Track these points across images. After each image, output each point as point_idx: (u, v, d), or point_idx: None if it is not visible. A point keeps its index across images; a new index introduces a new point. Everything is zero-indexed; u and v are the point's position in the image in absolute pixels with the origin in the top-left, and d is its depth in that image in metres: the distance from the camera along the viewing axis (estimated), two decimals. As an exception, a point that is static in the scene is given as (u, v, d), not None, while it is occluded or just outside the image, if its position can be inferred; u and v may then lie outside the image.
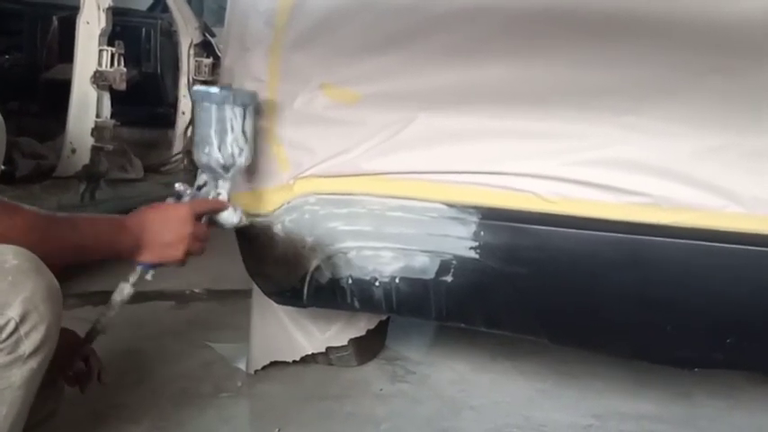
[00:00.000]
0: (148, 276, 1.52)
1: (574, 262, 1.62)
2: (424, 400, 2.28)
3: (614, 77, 1.56)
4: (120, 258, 1.45)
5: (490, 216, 1.63)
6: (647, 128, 1.55)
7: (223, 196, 1.65)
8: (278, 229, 1.79)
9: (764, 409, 2.33)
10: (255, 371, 2.37)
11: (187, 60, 4.23)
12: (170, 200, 1.56)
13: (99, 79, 3.30)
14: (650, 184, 1.54)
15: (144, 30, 4.27)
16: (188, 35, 4.22)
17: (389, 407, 2.22)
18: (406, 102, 1.67)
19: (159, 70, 4.37)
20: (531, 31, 1.57)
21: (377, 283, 1.78)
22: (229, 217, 1.63)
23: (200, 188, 1.66)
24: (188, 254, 1.50)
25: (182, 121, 4.23)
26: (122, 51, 3.35)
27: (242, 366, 2.43)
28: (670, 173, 1.53)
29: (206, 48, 4.25)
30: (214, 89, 1.62)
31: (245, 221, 1.67)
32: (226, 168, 1.63)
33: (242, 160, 1.63)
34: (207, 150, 1.60)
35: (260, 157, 1.76)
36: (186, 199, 1.58)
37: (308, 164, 1.74)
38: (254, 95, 1.64)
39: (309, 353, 2.38)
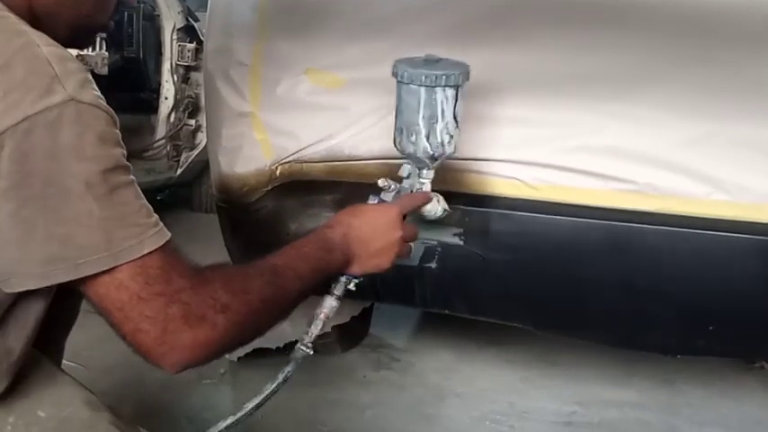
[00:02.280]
0: (351, 286, 1.33)
1: (559, 249, 1.62)
2: (408, 387, 2.28)
3: (601, 65, 1.55)
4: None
5: (475, 202, 1.62)
6: (633, 115, 1.54)
7: (427, 187, 1.44)
8: (261, 214, 1.77)
9: (747, 397, 2.35)
10: (239, 358, 2.35)
11: (170, 45, 4.18)
12: (372, 198, 1.34)
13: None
14: (636, 172, 1.53)
15: (126, 14, 4.20)
16: (171, 19, 4.17)
17: (374, 394, 2.22)
18: (391, 87, 1.65)
19: (142, 55, 4.31)
20: (518, 18, 1.56)
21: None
22: (433, 209, 1.46)
23: (402, 180, 1.43)
24: (397, 259, 1.30)
25: (164, 106, 4.18)
26: (104, 35, 3.31)
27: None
28: (656, 160, 1.53)
29: (189, 32, 4.20)
30: (422, 69, 1.33)
31: (448, 211, 1.50)
32: (433, 159, 1.40)
33: (451, 149, 1.39)
34: (414, 139, 1.36)
35: (243, 142, 1.74)
36: (391, 195, 1.36)
37: (291, 149, 1.72)
38: (466, 71, 1.35)
39: (293, 339, 2.37)
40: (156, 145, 4.25)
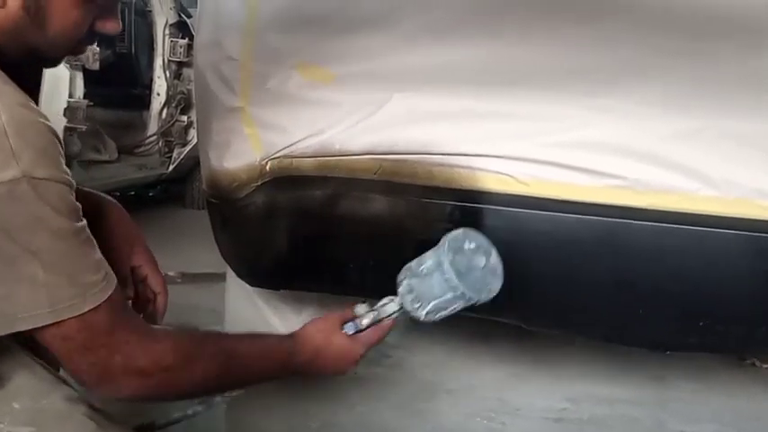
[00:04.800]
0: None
1: (548, 245, 1.61)
2: (399, 383, 2.28)
3: (589, 59, 1.54)
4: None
5: (464, 198, 1.62)
6: (621, 110, 1.54)
7: (396, 303, 1.42)
8: (250, 210, 1.76)
9: (737, 393, 2.35)
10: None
11: (162, 41, 4.18)
12: (349, 328, 1.37)
13: (71, 59, 3.25)
14: (625, 167, 1.53)
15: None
16: (163, 15, 4.18)
17: (364, 390, 2.21)
18: (381, 82, 1.65)
19: (134, 50, 4.31)
20: (506, 12, 1.55)
21: (350, 265, 1.76)
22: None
23: (383, 308, 1.43)
24: None
25: (156, 102, 4.20)
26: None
27: (216, 349, 2.41)
28: (644, 155, 1.52)
29: (181, 28, 4.21)
30: (463, 270, 1.35)
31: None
32: (414, 319, 1.40)
33: (421, 314, 1.38)
34: (416, 306, 1.37)
35: (232, 137, 1.73)
36: (365, 322, 1.38)
37: (281, 144, 1.72)
38: (490, 297, 1.40)
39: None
40: (147, 141, 4.27)
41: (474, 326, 2.53)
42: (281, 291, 2.06)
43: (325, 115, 1.68)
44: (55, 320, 0.96)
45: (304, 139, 1.69)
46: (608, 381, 2.35)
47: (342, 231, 1.74)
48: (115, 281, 1.02)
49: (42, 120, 0.96)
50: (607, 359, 2.45)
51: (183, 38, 4.17)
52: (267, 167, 1.73)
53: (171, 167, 4.31)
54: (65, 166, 0.98)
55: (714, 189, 1.49)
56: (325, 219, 1.72)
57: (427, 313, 1.36)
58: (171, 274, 3.30)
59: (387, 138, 1.65)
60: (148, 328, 1.09)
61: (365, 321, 1.39)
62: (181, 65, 4.22)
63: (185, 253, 3.35)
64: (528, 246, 1.64)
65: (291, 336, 1.34)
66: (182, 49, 4.15)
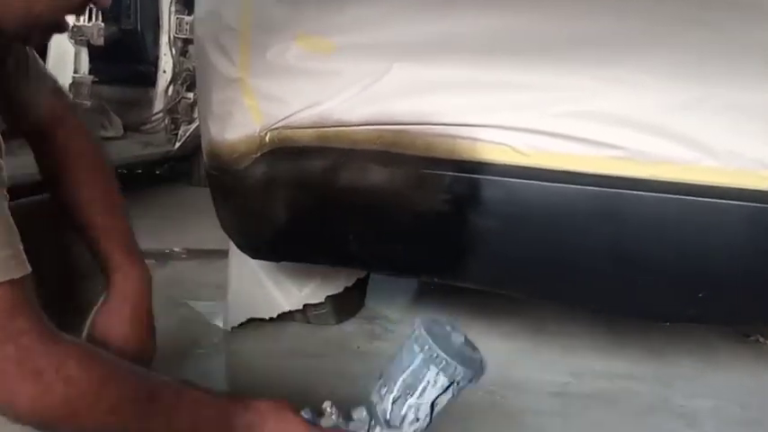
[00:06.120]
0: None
1: (548, 215, 1.60)
2: (401, 357, 2.28)
3: (591, 29, 1.53)
4: None
5: (464, 169, 1.61)
6: (623, 80, 1.52)
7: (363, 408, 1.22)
8: (250, 181, 1.76)
9: (737, 368, 2.35)
10: (232, 328, 2.36)
11: (168, 18, 4.17)
12: (305, 413, 1.16)
13: (76, 34, 3.25)
14: (626, 137, 1.51)
15: (124, -15, 4.20)
16: (169, -9, 4.16)
17: (366, 364, 2.21)
18: (381, 52, 1.64)
19: (139, 27, 4.31)
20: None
21: (350, 236, 1.76)
22: None
23: (352, 422, 1.22)
24: None
25: (162, 79, 4.19)
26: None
27: (219, 323, 2.42)
28: (646, 126, 1.51)
29: (188, 5, 4.18)
30: (433, 340, 1.13)
31: None
32: (387, 425, 1.19)
33: (409, 430, 1.18)
34: (383, 392, 1.17)
35: (232, 108, 1.73)
36: (329, 423, 1.17)
37: (281, 115, 1.71)
38: (474, 376, 1.16)
39: (287, 310, 2.38)
40: (153, 118, 4.26)
41: (477, 301, 2.54)
42: (282, 263, 2.06)
43: (325, 86, 1.67)
44: None
45: (303, 109, 1.69)
46: (610, 356, 2.35)
47: (341, 202, 1.73)
48: (27, 271, 0.90)
49: None
50: (610, 334, 2.45)
51: (189, 14, 4.15)
52: (267, 138, 1.73)
53: (177, 145, 4.31)
54: None
55: (715, 159, 1.47)
56: (325, 190, 1.72)
57: (397, 401, 1.14)
58: (177, 250, 3.32)
59: (386, 108, 1.64)
60: (55, 330, 0.92)
61: (325, 421, 1.17)
62: (187, 42, 4.20)
63: (191, 230, 3.36)
64: (529, 217, 1.63)
65: (235, 396, 1.13)
66: (188, 26, 4.14)
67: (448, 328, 1.20)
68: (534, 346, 2.41)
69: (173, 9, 4.15)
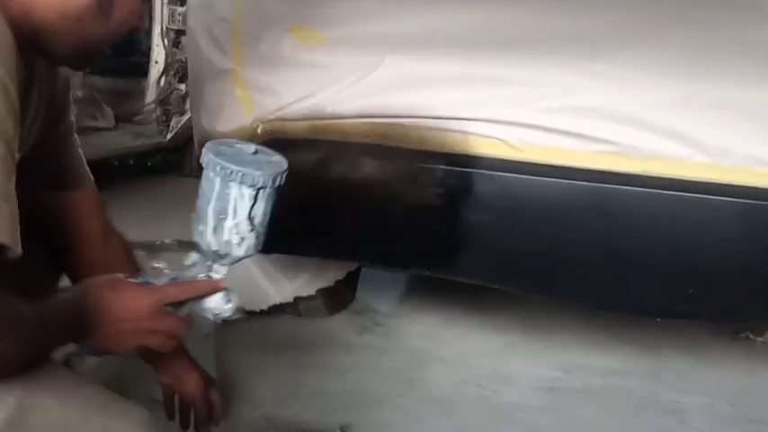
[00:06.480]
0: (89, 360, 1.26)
1: (540, 210, 1.61)
2: (391, 351, 2.28)
3: (583, 24, 1.54)
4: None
5: (456, 162, 1.61)
6: (615, 76, 1.53)
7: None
8: (242, 173, 1.75)
9: (728, 365, 2.35)
10: (223, 320, 2.35)
11: (161, 8, 4.14)
12: (139, 276, 1.21)
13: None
14: (618, 133, 1.52)
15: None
16: (162, -18, 4.14)
17: (356, 358, 2.21)
18: (374, 45, 1.64)
19: (132, 18, 4.28)
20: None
21: (341, 229, 1.75)
22: (218, 307, 1.28)
23: (187, 268, 1.27)
24: (143, 348, 1.20)
25: (155, 70, 4.17)
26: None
27: (209, 316, 2.41)
28: (638, 121, 1.51)
29: (180, -5, 4.17)
30: (221, 158, 1.15)
31: (237, 315, 1.33)
32: (219, 256, 1.23)
33: (241, 251, 1.22)
34: (201, 229, 1.20)
35: (224, 100, 1.72)
36: (163, 280, 1.20)
37: (273, 107, 1.70)
38: (277, 174, 1.17)
39: (277, 303, 2.37)
40: (145, 109, 4.24)
41: (469, 295, 2.54)
42: (273, 255, 2.06)
43: (318, 78, 1.67)
44: None
45: (296, 101, 1.68)
46: (602, 351, 2.35)
47: (333, 195, 1.73)
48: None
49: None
50: (601, 330, 2.45)
51: (181, 5, 4.12)
52: (259, 130, 1.72)
53: (169, 136, 4.29)
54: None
55: (707, 156, 1.48)
56: (317, 182, 1.71)
57: (216, 230, 1.18)
58: (167, 241, 3.30)
59: (379, 101, 1.63)
60: None
61: (162, 279, 1.20)
62: (179, 33, 4.17)
63: (183, 221, 3.34)
64: (520, 211, 1.63)
65: (72, 288, 1.21)
66: (180, 17, 4.11)
67: (237, 145, 1.23)
68: (525, 341, 2.41)
69: (165, 0, 4.13)
